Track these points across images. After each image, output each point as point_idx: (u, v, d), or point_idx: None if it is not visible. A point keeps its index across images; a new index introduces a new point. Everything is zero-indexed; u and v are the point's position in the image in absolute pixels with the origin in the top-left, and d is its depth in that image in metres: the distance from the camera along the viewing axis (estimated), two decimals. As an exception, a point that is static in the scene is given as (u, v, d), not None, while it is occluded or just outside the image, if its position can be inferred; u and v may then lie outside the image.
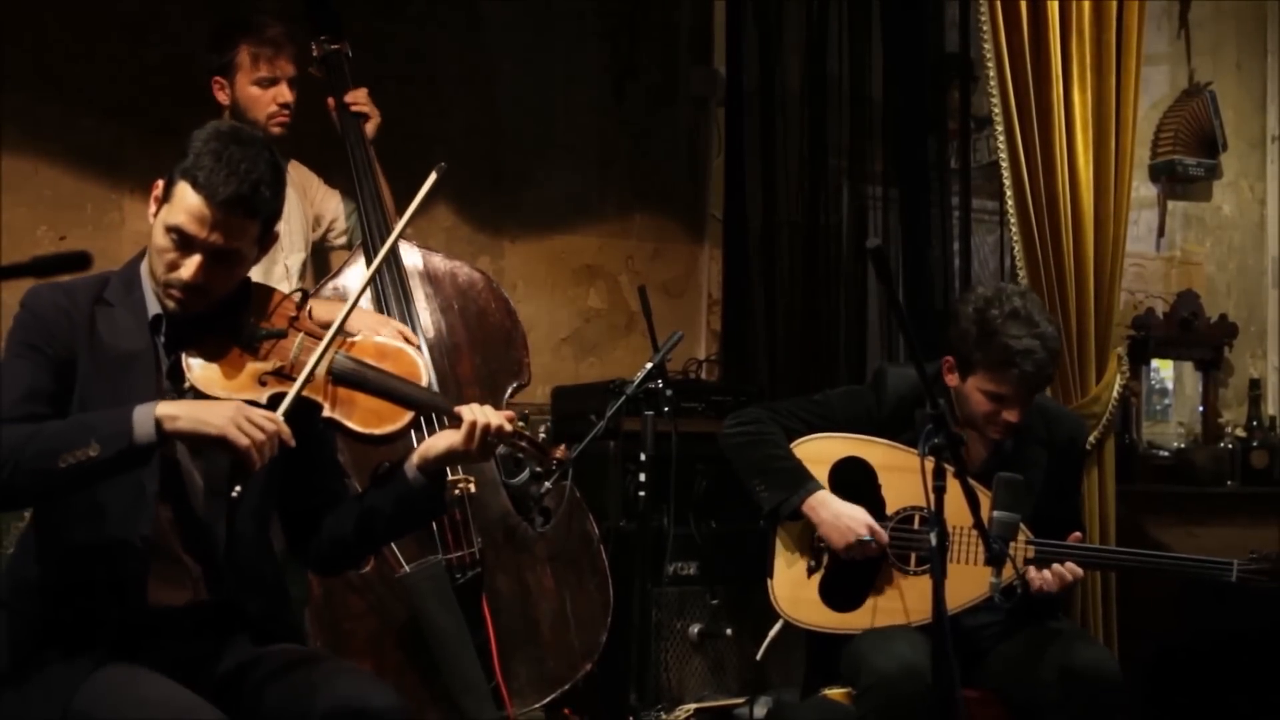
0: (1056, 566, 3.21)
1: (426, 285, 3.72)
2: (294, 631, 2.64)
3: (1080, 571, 3.24)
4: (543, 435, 2.68)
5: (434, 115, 4.64)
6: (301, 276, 3.85)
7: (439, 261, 3.78)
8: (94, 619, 2.35)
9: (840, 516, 3.29)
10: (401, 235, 2.64)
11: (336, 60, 3.83)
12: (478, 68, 4.75)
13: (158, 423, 2.25)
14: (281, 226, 3.72)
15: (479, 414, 2.48)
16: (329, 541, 2.57)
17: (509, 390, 3.73)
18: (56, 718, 2.27)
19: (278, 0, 3.87)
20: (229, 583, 2.46)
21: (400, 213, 3.81)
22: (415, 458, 2.52)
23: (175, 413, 2.26)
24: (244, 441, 2.26)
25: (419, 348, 3.54)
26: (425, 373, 2.56)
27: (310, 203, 3.93)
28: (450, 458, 2.51)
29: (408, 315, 3.61)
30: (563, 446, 2.70)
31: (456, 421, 2.50)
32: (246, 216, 2.36)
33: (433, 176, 2.61)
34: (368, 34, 4.07)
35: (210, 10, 4.27)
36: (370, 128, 3.81)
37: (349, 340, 2.52)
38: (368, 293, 3.65)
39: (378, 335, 2.59)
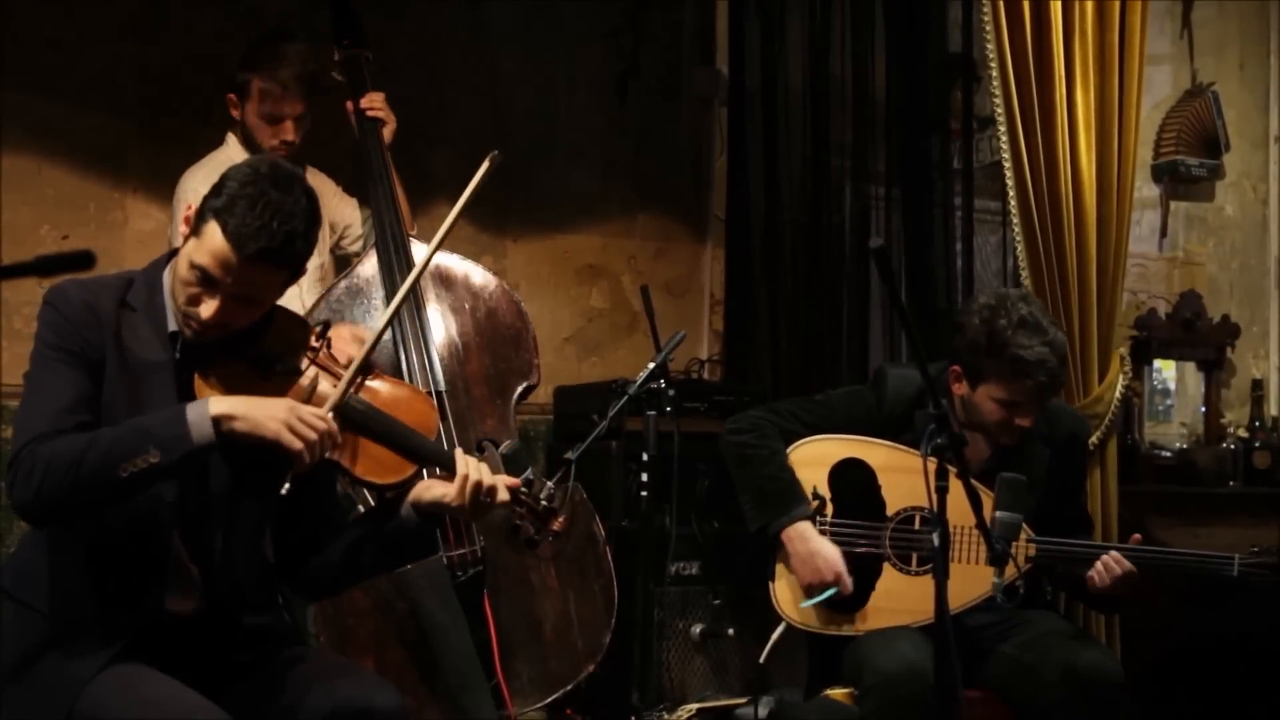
0: (1109, 561, 3.20)
1: (437, 285, 3.72)
2: (294, 637, 2.63)
3: (1134, 569, 3.22)
4: (545, 502, 2.62)
5: (437, 115, 4.64)
6: (320, 280, 3.85)
7: (450, 261, 3.78)
8: (106, 619, 2.34)
9: (814, 555, 3.26)
10: (446, 236, 2.59)
11: (357, 65, 3.85)
12: (481, 68, 4.75)
13: (215, 423, 2.24)
14: None
15: (474, 470, 2.44)
16: (316, 567, 2.56)
17: (518, 390, 3.73)
18: (61, 717, 2.27)
19: (297, 2, 3.87)
20: (224, 598, 2.46)
21: (411, 215, 3.85)
22: (409, 498, 2.48)
23: (232, 411, 2.26)
24: (297, 445, 2.27)
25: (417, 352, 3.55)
26: (434, 424, 2.53)
27: (326, 209, 3.93)
28: (441, 508, 2.47)
29: (418, 314, 3.61)
30: (563, 518, 2.66)
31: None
32: (274, 268, 2.32)
33: (485, 165, 2.57)
34: (371, 34, 4.06)
35: (213, 9, 4.28)
36: (387, 132, 3.83)
37: (364, 382, 2.48)
38: (380, 290, 3.65)
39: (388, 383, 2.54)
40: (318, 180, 3.92)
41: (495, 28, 4.78)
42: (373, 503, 3.08)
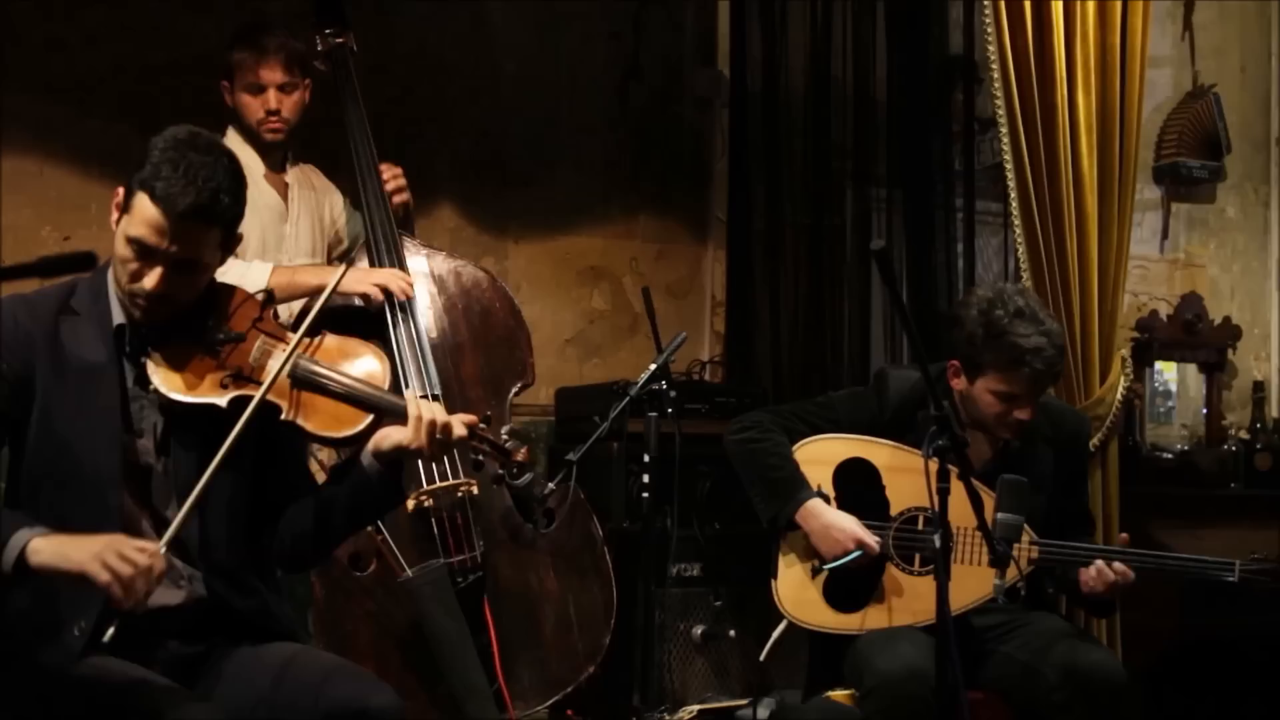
0: (1102, 565, 3.21)
1: (431, 284, 3.72)
2: (291, 627, 2.62)
3: (1130, 574, 3.23)
4: (505, 437, 2.63)
5: (438, 116, 4.64)
6: None
7: (443, 261, 3.78)
8: (84, 617, 2.32)
9: (830, 528, 3.29)
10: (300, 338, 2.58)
11: (341, 55, 3.78)
12: (482, 69, 4.75)
13: (24, 552, 2.18)
14: (289, 243, 3.75)
15: (425, 409, 2.46)
16: (290, 537, 2.55)
17: (513, 391, 3.73)
18: (49, 716, 2.27)
19: (302, 3, 3.85)
20: (211, 584, 2.45)
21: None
22: (369, 447, 2.50)
23: (43, 546, 2.19)
24: (104, 576, 2.13)
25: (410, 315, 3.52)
26: (386, 375, 2.55)
27: (326, 205, 3.91)
28: (401, 452, 2.48)
29: (411, 314, 3.61)
30: (525, 449, 2.69)
31: None
32: (206, 225, 2.35)
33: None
34: (372, 35, 4.06)
35: (214, 10, 4.28)
36: (398, 199, 3.78)
37: (311, 343, 2.52)
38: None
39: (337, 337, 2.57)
40: (312, 175, 3.90)
41: (496, 28, 4.78)
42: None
